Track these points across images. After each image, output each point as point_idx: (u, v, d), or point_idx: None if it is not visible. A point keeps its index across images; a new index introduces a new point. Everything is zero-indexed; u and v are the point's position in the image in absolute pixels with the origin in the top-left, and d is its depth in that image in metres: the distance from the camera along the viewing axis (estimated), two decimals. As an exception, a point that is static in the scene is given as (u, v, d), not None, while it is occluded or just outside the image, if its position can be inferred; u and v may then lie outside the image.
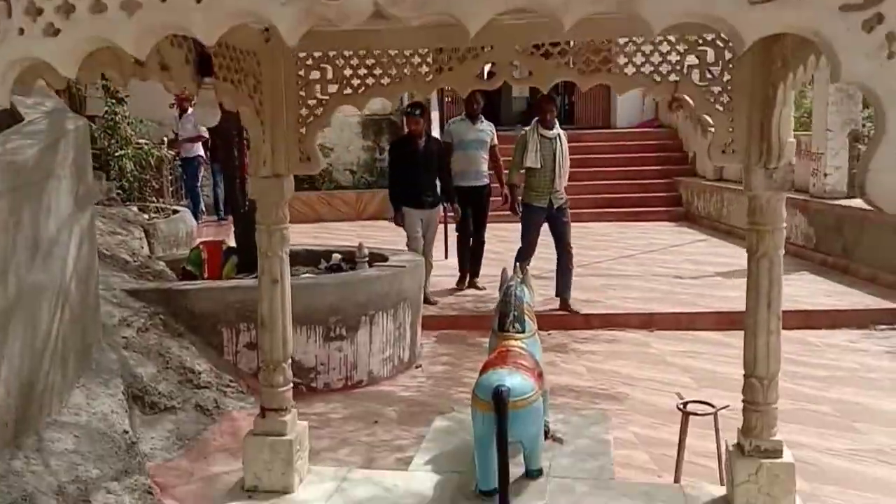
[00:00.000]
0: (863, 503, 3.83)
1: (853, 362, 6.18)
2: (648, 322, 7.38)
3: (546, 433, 3.15)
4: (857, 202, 9.56)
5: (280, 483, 2.66)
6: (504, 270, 3.41)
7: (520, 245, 7.47)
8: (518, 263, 7.13)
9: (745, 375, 2.44)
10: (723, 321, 7.28)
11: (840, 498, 3.83)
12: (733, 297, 7.99)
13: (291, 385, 2.72)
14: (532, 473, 2.82)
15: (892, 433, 4.69)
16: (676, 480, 3.84)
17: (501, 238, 9.63)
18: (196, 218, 12.79)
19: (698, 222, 13.21)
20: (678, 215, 13.76)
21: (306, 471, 2.79)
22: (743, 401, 2.45)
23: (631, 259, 10.34)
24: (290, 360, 2.69)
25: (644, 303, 7.86)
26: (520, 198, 7.54)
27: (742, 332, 7.12)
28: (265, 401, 2.66)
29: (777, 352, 2.37)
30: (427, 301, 7.32)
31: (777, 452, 2.39)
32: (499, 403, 2.56)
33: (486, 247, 8.38)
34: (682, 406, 3.85)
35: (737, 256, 10.33)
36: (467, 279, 8.28)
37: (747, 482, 2.39)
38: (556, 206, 7.27)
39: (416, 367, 6.13)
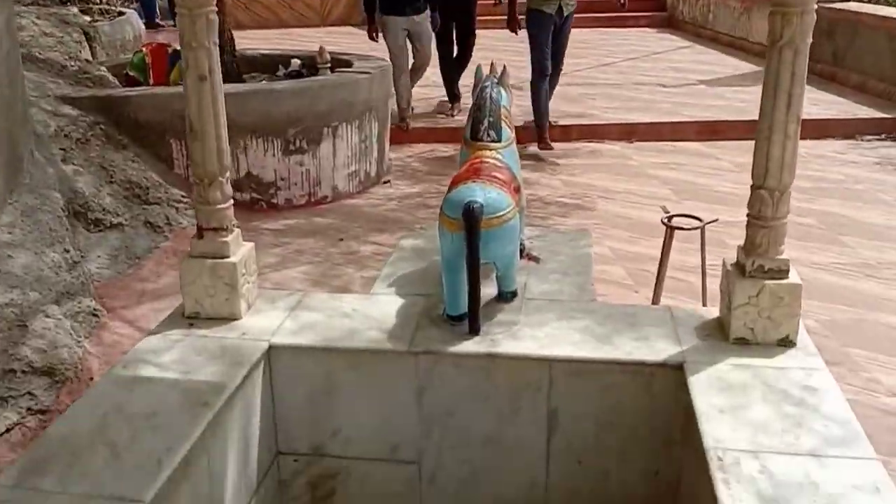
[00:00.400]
0: (849, 318, 3.70)
1: (839, 174, 5.95)
2: (629, 133, 7.05)
3: (521, 252, 2.88)
4: (852, 5, 9.00)
5: (225, 309, 2.39)
6: (479, 68, 2.98)
7: (530, 67, 6.41)
8: (539, 85, 6.46)
9: (753, 186, 2.12)
10: (704, 131, 7.00)
11: (825, 313, 3.69)
12: (716, 105, 7.65)
13: (231, 201, 2.37)
14: (505, 296, 2.56)
15: (878, 246, 4.53)
16: (656, 297, 3.67)
17: (477, 46, 9.02)
18: (152, 21, 11.94)
19: (682, 28, 12.58)
20: (661, 21, 13.08)
21: (255, 295, 2.51)
22: (748, 215, 2.15)
23: (611, 67, 9.85)
24: (228, 174, 2.33)
25: (625, 113, 7.49)
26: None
27: (724, 143, 6.86)
28: (201, 220, 2.32)
29: (793, 160, 2.04)
30: (402, 121, 6.86)
31: (783, 273, 2.13)
32: (470, 222, 2.26)
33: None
34: (666, 220, 3.60)
35: (721, 64, 9.86)
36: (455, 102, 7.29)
37: (746, 304, 2.14)
38: (565, 14, 6.32)
39: (385, 183, 5.81)
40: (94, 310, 3.54)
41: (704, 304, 3.39)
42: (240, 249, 2.42)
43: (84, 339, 3.34)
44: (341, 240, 4.63)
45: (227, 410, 2.05)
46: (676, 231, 3.47)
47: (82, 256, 3.87)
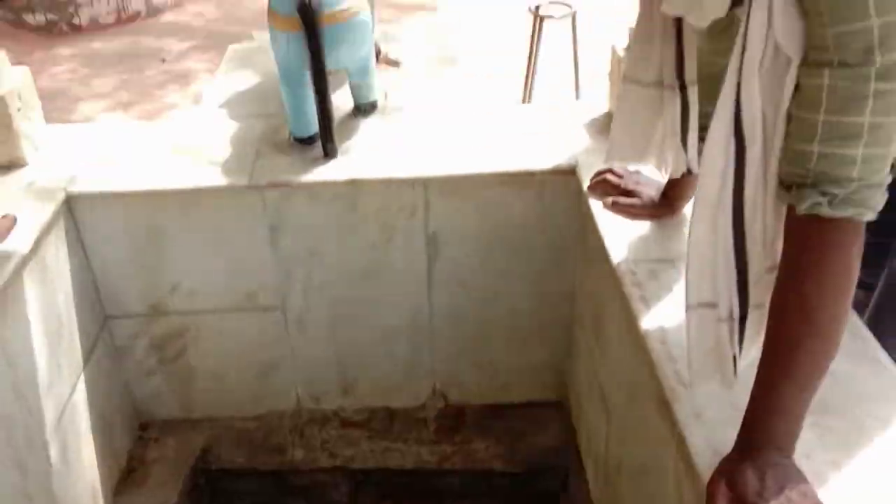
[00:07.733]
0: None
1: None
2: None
3: (378, 55, 2.43)
4: None
5: (3, 155, 1.87)
6: None
7: None
8: None
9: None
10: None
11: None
12: None
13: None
14: (364, 108, 2.15)
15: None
16: (527, 95, 3.37)
17: None
18: None
19: None
20: None
21: (39, 133, 1.98)
22: None
23: None
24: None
25: None
26: None
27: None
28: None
29: None
30: None
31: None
32: (307, 17, 1.79)
33: None
34: (535, 8, 3.21)
35: None
36: None
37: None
38: None
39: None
40: None
41: (577, 99, 3.12)
42: (7, 77, 1.85)
43: None
44: (163, 60, 3.96)
45: (18, 283, 1.59)
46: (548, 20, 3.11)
47: None
